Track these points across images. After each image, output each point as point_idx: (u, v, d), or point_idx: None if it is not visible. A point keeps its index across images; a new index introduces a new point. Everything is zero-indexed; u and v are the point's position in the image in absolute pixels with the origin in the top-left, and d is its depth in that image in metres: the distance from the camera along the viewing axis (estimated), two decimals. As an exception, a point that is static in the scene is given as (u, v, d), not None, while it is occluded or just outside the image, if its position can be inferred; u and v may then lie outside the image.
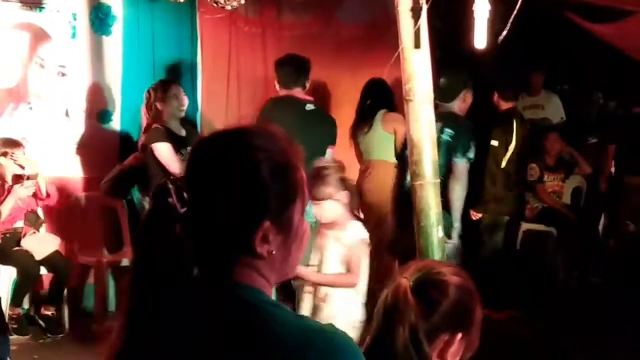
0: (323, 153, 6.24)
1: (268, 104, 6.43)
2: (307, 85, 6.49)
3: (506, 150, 7.15)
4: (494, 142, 7.19)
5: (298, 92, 6.37)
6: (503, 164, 7.15)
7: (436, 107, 4.84)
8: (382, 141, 7.01)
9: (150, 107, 6.57)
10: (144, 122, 6.67)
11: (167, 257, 1.63)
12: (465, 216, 6.75)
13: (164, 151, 6.28)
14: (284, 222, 1.69)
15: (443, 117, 5.91)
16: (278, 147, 1.71)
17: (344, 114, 8.77)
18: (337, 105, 8.84)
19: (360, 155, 7.26)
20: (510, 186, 7.29)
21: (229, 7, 5.92)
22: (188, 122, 6.84)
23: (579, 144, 9.47)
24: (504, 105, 7.40)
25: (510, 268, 8.36)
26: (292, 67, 6.39)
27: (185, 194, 1.63)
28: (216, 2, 5.83)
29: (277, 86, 6.46)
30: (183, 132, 6.56)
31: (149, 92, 6.62)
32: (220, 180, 1.64)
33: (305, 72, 6.43)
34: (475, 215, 7.20)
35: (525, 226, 8.71)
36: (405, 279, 2.32)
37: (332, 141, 6.45)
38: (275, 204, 1.66)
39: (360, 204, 7.59)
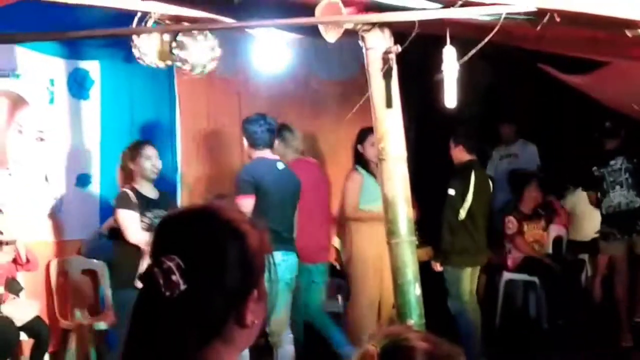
0: (294, 209, 6.30)
1: (247, 167, 6.46)
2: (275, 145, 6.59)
3: (463, 200, 7.22)
4: (451, 191, 7.27)
5: (268, 153, 6.43)
6: (462, 215, 7.22)
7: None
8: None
9: (123, 168, 6.57)
10: (120, 184, 6.68)
11: (162, 340, 1.64)
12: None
13: (123, 218, 6.26)
14: (261, 289, 1.74)
15: None
16: (245, 216, 1.78)
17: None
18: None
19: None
20: (475, 237, 7.34)
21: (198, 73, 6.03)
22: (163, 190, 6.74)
23: (558, 192, 9.55)
24: (465, 157, 7.44)
25: (492, 318, 8.41)
26: (264, 127, 6.43)
27: (182, 271, 1.63)
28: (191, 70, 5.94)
29: (246, 145, 6.49)
30: (154, 195, 6.48)
31: (123, 152, 6.61)
32: (219, 255, 1.67)
33: (275, 132, 6.55)
34: (436, 267, 7.31)
35: (507, 276, 8.74)
36: (372, 346, 2.31)
37: (299, 198, 6.59)
38: (260, 271, 1.73)
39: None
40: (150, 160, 6.43)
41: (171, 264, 1.63)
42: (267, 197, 6.20)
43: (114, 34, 6.00)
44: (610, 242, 8.34)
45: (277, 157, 6.52)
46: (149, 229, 6.23)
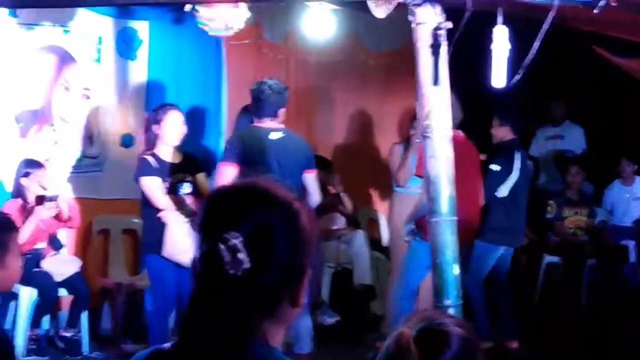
0: (298, 179, 6.06)
1: (235, 134, 6.32)
2: (279, 113, 6.17)
3: (506, 178, 7.12)
4: (495, 167, 7.15)
5: (267, 121, 6.11)
6: (504, 192, 7.11)
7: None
8: None
9: (147, 131, 6.52)
10: (145, 147, 6.63)
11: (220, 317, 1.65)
12: None
13: (147, 186, 6.24)
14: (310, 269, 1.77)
15: None
16: (293, 194, 1.79)
17: (370, 141, 8.82)
18: (363, 132, 8.86)
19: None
20: (513, 217, 7.25)
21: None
22: (187, 152, 6.63)
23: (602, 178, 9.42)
24: (509, 136, 7.35)
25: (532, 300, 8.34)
26: (268, 94, 6.10)
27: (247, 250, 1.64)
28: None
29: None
30: (176, 159, 6.41)
31: (149, 115, 6.57)
32: (279, 233, 1.69)
33: (283, 101, 6.17)
34: None
35: (547, 259, 8.66)
36: (407, 329, 2.30)
37: (308, 166, 6.19)
38: (312, 251, 1.76)
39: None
40: (174, 126, 6.38)
41: (236, 242, 1.64)
42: (255, 169, 5.86)
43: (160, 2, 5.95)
44: None
45: (279, 126, 6.17)
46: (168, 193, 6.22)
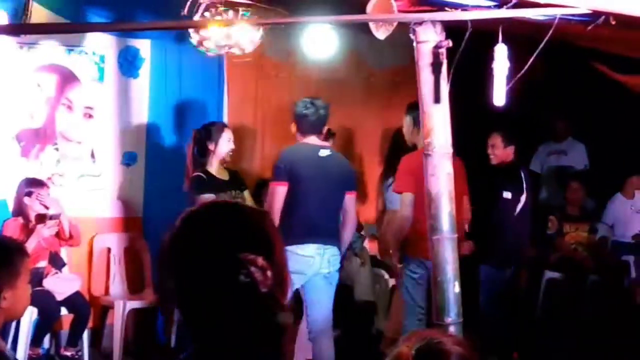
0: (340, 199, 6.12)
1: (283, 153, 6.37)
2: (324, 131, 6.31)
3: (518, 201, 7.14)
4: (507, 194, 7.16)
5: (313, 139, 6.16)
6: (515, 213, 7.15)
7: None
8: None
9: (197, 146, 6.55)
10: (189, 162, 6.64)
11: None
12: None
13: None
14: None
15: None
16: None
17: (370, 160, 8.80)
18: (364, 150, 8.86)
19: (382, 203, 7.32)
20: (519, 237, 7.26)
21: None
22: (232, 170, 6.79)
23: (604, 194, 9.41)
24: (511, 156, 7.34)
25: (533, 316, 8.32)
26: (312, 111, 6.13)
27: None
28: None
29: (294, 130, 6.26)
30: (225, 176, 6.58)
31: (199, 131, 6.60)
32: (273, 248, 1.81)
33: (326, 119, 6.23)
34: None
35: (548, 274, 8.66)
36: (406, 348, 2.30)
37: (351, 187, 6.27)
38: None
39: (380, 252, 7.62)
40: (228, 144, 6.50)
41: (264, 262, 1.73)
42: (303, 185, 5.96)
43: (168, 27, 6.04)
44: None
45: (324, 143, 6.28)
46: None
